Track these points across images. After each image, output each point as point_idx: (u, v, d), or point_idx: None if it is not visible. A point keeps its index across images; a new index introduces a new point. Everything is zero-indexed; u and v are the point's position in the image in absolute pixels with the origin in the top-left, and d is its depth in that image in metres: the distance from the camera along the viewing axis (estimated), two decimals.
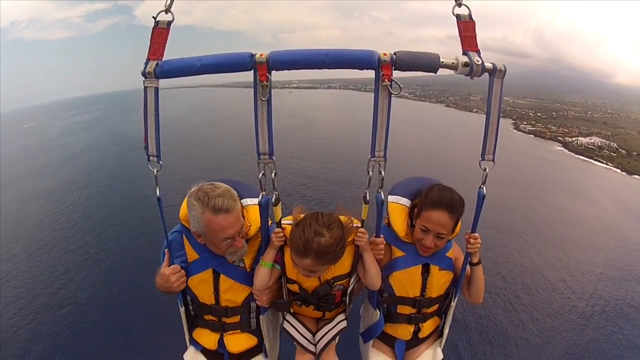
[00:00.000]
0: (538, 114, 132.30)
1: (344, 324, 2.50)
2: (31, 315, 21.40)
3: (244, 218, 2.21)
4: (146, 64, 1.86)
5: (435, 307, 2.59)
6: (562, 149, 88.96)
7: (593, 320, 22.26)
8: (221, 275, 2.30)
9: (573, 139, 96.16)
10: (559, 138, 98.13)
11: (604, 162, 79.02)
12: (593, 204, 43.65)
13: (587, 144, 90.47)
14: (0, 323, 20.50)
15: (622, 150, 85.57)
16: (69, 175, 50.54)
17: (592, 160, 79.93)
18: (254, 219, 2.25)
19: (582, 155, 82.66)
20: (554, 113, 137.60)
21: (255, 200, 2.16)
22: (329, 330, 2.46)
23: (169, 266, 2.26)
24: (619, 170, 73.57)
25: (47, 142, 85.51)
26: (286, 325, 2.48)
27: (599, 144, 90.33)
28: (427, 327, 2.63)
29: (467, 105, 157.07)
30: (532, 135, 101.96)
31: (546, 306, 23.08)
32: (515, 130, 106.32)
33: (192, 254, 2.29)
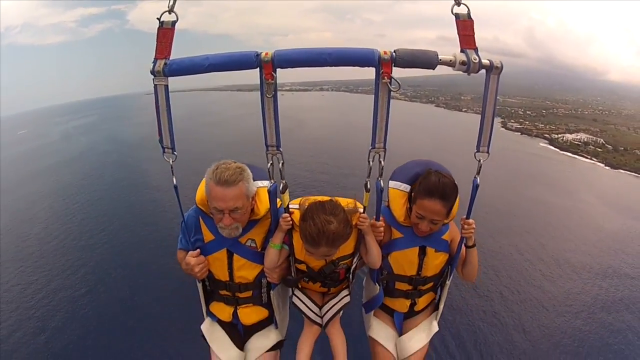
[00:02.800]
0: (527, 112, 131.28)
1: (347, 299, 2.71)
2: (58, 305, 21.84)
3: (254, 199, 2.37)
4: (154, 62, 1.90)
5: (431, 284, 2.78)
6: (547, 145, 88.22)
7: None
8: (234, 254, 2.47)
9: (559, 135, 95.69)
10: (545, 135, 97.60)
11: (589, 157, 78.93)
12: (571, 196, 45.29)
13: (573, 140, 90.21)
14: (29, 314, 21.02)
15: (609, 146, 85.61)
16: (74, 175, 50.95)
17: (576, 156, 79.42)
18: (264, 200, 2.37)
19: (567, 151, 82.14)
20: (543, 111, 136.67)
21: (267, 183, 2.27)
22: (334, 305, 2.68)
23: (195, 255, 2.42)
24: (603, 165, 73.97)
25: (46, 147, 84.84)
26: (295, 300, 2.70)
27: (585, 139, 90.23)
28: (423, 301, 2.86)
29: (456, 105, 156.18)
30: (519, 133, 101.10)
31: (515, 283, 25.04)
32: (503, 129, 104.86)
33: (208, 235, 2.46)
